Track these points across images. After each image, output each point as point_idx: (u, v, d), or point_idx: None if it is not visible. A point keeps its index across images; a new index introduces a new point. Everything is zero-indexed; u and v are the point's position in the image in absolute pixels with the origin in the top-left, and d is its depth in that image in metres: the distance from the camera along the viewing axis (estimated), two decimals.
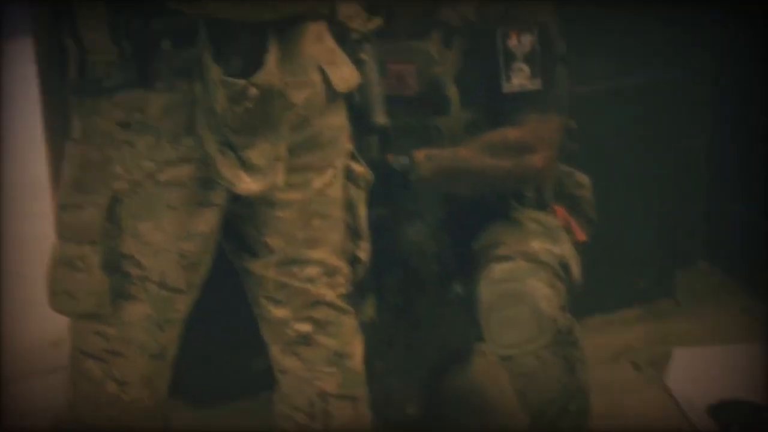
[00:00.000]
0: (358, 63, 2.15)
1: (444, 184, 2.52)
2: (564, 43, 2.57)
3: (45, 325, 3.57)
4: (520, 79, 2.51)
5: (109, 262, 1.98)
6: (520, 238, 2.55)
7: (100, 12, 1.89)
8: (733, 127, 3.55)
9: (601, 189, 3.40)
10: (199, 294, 2.10)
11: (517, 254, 2.49)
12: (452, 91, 2.53)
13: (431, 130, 2.53)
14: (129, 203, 1.96)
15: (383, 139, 2.37)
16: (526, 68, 2.51)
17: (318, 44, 2.01)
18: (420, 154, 2.42)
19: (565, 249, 2.58)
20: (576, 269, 2.61)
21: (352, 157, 2.16)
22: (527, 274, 2.45)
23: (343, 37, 2.10)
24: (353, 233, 2.17)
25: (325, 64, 2.02)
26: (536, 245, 2.52)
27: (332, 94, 2.04)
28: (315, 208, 2.08)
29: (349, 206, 2.16)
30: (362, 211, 2.18)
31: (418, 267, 2.59)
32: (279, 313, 2.13)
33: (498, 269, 2.47)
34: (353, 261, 2.19)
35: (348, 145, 2.13)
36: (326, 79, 2.02)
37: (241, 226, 2.09)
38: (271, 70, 1.88)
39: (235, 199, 2.01)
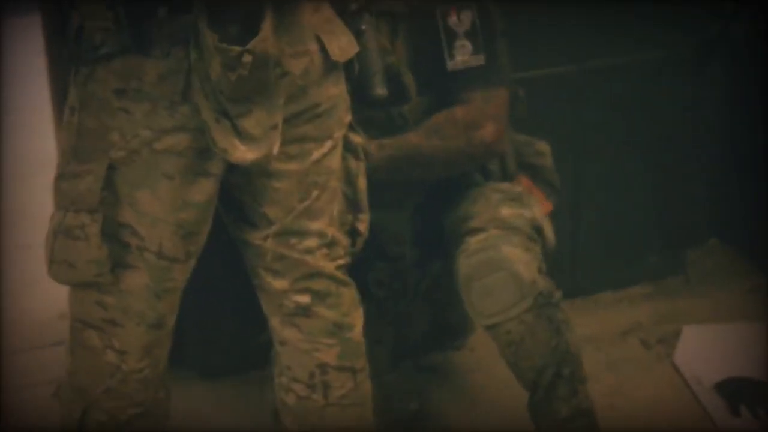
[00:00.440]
0: (357, 34, 2.13)
1: (398, 172, 2.51)
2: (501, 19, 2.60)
3: (52, 297, 3.60)
4: (463, 56, 2.52)
5: (108, 231, 1.98)
6: (489, 207, 2.56)
7: None
8: (745, 100, 3.51)
9: (610, 166, 3.40)
10: (197, 263, 2.09)
11: (489, 223, 2.51)
12: (408, 78, 2.53)
13: (396, 119, 2.53)
14: (126, 172, 1.96)
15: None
16: (468, 44, 2.52)
17: (316, 13, 1.99)
18: (372, 145, 2.41)
19: (535, 212, 2.60)
20: (549, 232, 2.62)
21: (351, 128, 2.14)
22: (501, 240, 2.46)
23: (341, 7, 2.08)
24: (352, 205, 2.16)
25: (323, 34, 2.01)
26: (506, 212, 2.54)
27: (330, 64, 2.02)
28: (313, 179, 2.06)
29: (348, 178, 2.15)
30: (362, 183, 2.17)
31: (397, 256, 2.59)
32: (278, 284, 2.12)
33: (473, 241, 2.49)
34: (352, 233, 2.17)
35: (347, 117, 2.11)
36: (324, 49, 2.00)
37: (239, 196, 2.08)
38: (266, 38, 1.87)
39: (233, 169, 2.00)
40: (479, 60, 2.52)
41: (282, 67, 1.92)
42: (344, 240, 2.15)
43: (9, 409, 3.03)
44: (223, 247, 2.18)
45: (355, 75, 2.12)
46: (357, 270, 2.26)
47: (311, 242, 2.10)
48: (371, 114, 2.46)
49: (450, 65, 2.51)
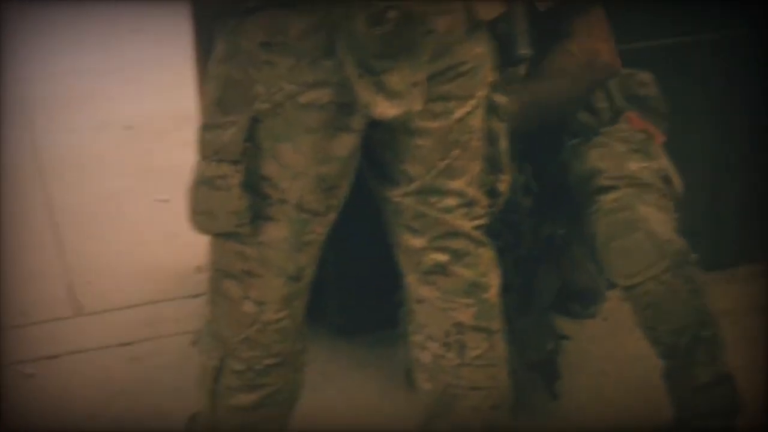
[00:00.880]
0: None
1: (527, 121, 2.49)
2: None
3: (190, 251, 3.66)
4: None
5: (249, 183, 1.99)
6: (616, 162, 2.55)
7: None
8: None
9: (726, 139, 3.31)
10: (337, 218, 2.09)
11: (619, 181, 2.50)
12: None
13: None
14: (269, 124, 1.96)
15: None
16: None
17: None
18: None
19: (661, 162, 2.59)
20: (677, 180, 2.60)
21: (495, 88, 2.12)
22: (636, 199, 2.47)
23: None
24: (493, 165, 2.14)
25: None
26: (634, 166, 2.53)
27: (475, 23, 2.00)
28: (455, 137, 2.05)
29: (490, 138, 2.13)
30: (503, 144, 2.15)
31: (509, 207, 2.56)
32: (416, 242, 2.12)
33: (606, 200, 2.49)
34: (492, 193, 2.16)
35: (491, 76, 2.09)
36: (469, 7, 1.99)
37: (381, 153, 2.08)
38: None
39: (376, 125, 1.99)
40: None
41: (426, 24, 1.91)
42: (483, 200, 2.14)
43: (145, 359, 3.10)
44: (364, 203, 2.18)
45: (500, 34, 2.10)
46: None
47: (451, 201, 2.09)
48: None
49: (541, 6, 2.47)
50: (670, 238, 2.42)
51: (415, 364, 2.23)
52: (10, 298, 3.42)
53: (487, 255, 2.16)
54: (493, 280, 2.17)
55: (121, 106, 5.01)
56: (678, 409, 2.53)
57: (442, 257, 2.12)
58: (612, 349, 3.07)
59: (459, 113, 2.04)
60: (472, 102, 2.05)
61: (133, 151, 4.58)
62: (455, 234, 2.11)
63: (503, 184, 2.16)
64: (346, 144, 1.99)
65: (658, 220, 2.44)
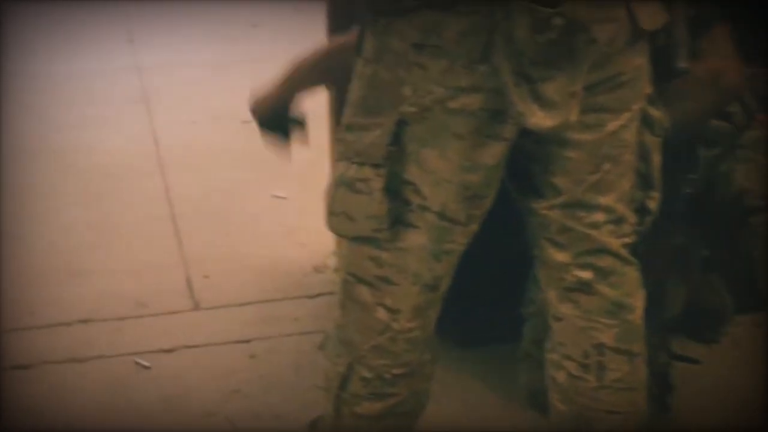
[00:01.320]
0: (666, 2, 2.03)
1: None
2: None
3: (308, 250, 3.64)
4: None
5: (390, 187, 1.94)
6: (763, 180, 2.49)
7: None
8: None
9: None
10: (478, 228, 2.03)
11: None
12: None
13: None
14: (415, 128, 1.91)
15: None
16: None
17: None
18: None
19: None
20: None
21: (650, 101, 2.04)
22: None
23: None
24: (644, 181, 2.06)
25: (633, 1, 1.91)
26: None
27: (637, 33, 1.93)
28: (607, 151, 1.98)
29: (643, 153, 2.05)
30: (656, 159, 2.07)
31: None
32: (560, 257, 2.05)
33: (758, 221, 2.45)
34: (641, 210, 2.08)
35: (647, 88, 2.02)
36: (632, 17, 1.91)
37: (528, 164, 2.01)
38: (578, 2, 1.79)
39: (525, 134, 1.93)
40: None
41: (589, 33, 1.84)
42: (632, 217, 2.06)
43: (262, 358, 3.07)
44: (493, 213, 2.11)
45: (661, 46, 2.03)
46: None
47: (598, 216, 2.01)
48: None
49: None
50: None
51: (549, 383, 2.16)
52: (129, 289, 3.41)
53: (632, 275, 2.08)
54: (638, 302, 2.09)
55: (240, 100, 4.99)
56: None
57: (586, 274, 2.05)
58: (741, 378, 2.96)
59: (612, 126, 1.97)
60: (627, 115, 1.98)
61: (250, 144, 4.53)
62: (601, 251, 2.04)
63: (653, 202, 2.08)
64: (494, 153, 1.93)
65: None
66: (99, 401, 2.86)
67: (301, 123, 2.58)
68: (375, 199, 1.95)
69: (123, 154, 4.49)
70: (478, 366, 2.98)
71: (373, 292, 2.03)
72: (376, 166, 1.94)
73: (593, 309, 2.06)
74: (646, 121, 2.03)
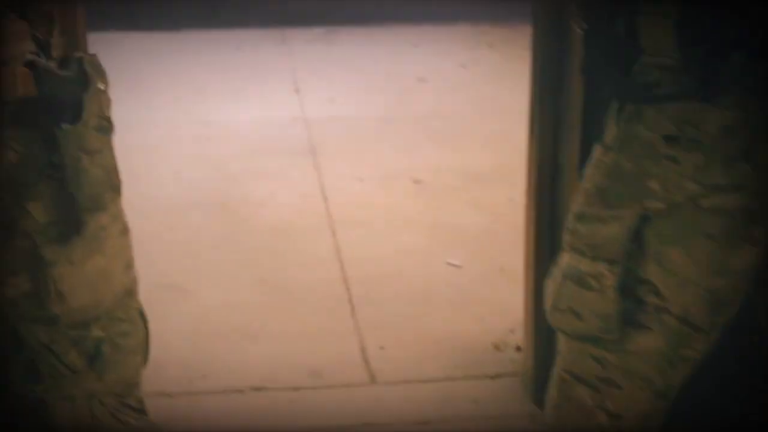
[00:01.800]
0: None
1: None
2: None
3: (486, 324, 3.49)
4: None
5: (624, 285, 1.83)
6: None
7: (668, 10, 1.71)
8: None
9: None
10: (719, 336, 1.88)
11: None
12: None
13: None
14: (660, 225, 1.80)
15: None
16: None
17: None
18: None
19: None
20: None
21: None
22: None
23: None
24: None
25: None
26: None
27: None
28: None
29: None
30: None
31: None
32: None
33: None
34: None
35: None
36: None
37: None
38: None
39: None
40: None
41: None
42: None
43: None
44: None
45: None
46: None
47: None
48: None
49: None
50: None
51: None
52: (303, 356, 3.30)
53: None
54: None
55: (409, 159, 4.89)
56: None
57: None
58: None
59: None
60: None
61: (421, 205, 4.44)
62: None
63: None
64: (748, 256, 1.80)
65: None
66: None
67: None
68: (607, 296, 1.85)
69: (292, 209, 4.40)
70: None
71: (594, 394, 1.91)
72: (611, 262, 1.84)
73: None
74: None
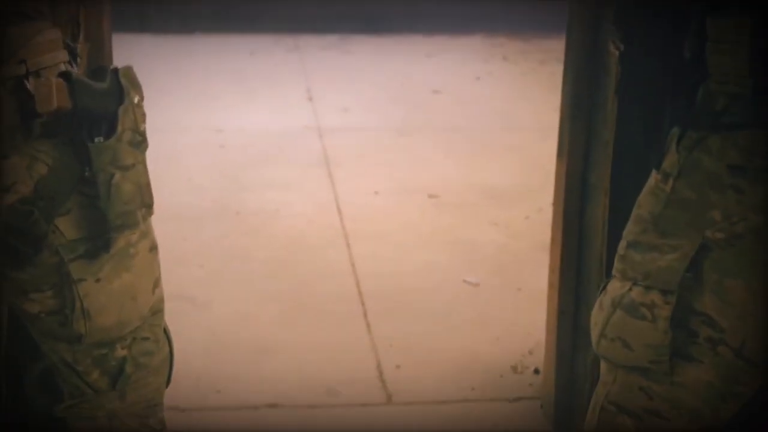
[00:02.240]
0: None
1: None
2: None
3: (504, 344, 3.41)
4: None
5: (677, 316, 1.77)
6: None
7: (743, 35, 1.63)
8: None
9: None
10: None
11: None
12: None
13: None
14: (720, 256, 1.74)
15: None
16: None
17: None
18: None
19: None
20: None
21: None
22: None
23: None
24: None
25: None
26: None
27: None
28: None
29: None
30: None
31: None
32: None
33: None
34: None
35: None
36: None
37: None
38: None
39: None
40: None
41: None
42: None
43: None
44: None
45: None
46: None
47: None
48: None
49: None
50: None
51: None
52: (319, 372, 3.22)
53: None
54: None
55: (425, 172, 4.82)
56: None
57: None
58: None
59: None
60: None
61: (437, 221, 4.36)
62: None
63: None
64: None
65: None
66: None
67: None
68: (659, 327, 1.79)
69: (307, 221, 4.32)
70: None
71: (638, 425, 1.86)
72: (665, 292, 1.78)
73: None
74: None
